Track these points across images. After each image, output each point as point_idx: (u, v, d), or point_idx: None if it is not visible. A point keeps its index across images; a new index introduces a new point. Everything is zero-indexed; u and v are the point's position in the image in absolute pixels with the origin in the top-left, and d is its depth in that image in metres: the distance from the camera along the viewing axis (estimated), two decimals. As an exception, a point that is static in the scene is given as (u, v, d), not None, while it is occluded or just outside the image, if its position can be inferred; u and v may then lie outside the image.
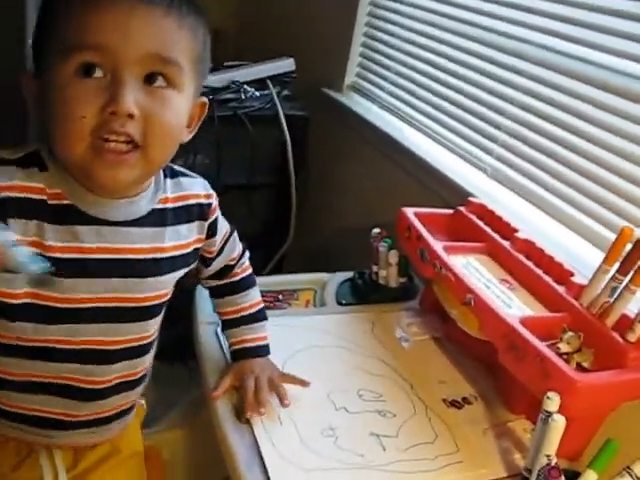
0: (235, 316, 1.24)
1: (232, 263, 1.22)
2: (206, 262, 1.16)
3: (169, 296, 1.07)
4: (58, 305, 0.93)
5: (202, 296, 1.40)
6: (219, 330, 1.33)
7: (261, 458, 1.06)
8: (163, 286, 1.04)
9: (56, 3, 0.86)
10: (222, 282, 1.23)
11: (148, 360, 1.11)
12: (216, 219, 1.11)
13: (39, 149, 0.91)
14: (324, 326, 1.41)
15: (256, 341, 1.24)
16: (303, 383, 1.22)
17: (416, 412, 1.24)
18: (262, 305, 1.27)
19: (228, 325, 1.25)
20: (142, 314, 1.03)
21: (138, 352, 1.06)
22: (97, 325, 0.98)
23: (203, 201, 1.06)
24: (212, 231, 1.10)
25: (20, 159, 0.89)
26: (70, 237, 0.91)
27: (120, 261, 0.96)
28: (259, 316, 1.26)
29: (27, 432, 1.05)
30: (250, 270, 1.27)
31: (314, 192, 2.44)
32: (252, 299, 1.25)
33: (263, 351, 1.24)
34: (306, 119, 2.27)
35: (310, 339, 1.37)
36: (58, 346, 0.97)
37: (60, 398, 1.02)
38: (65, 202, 0.90)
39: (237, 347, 1.24)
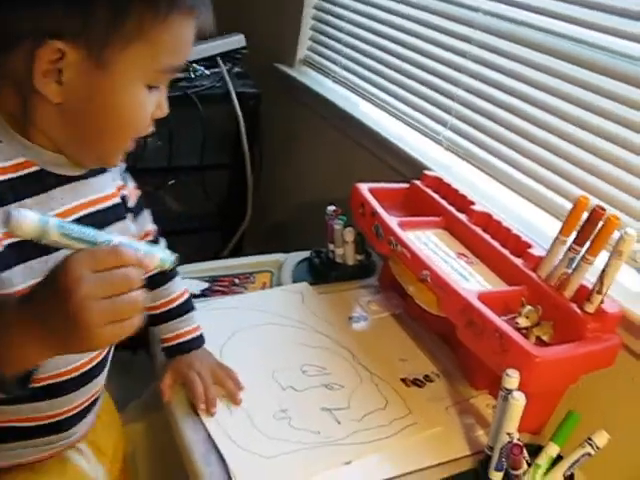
0: (164, 309, 1.18)
1: (150, 239, 1.16)
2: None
3: None
4: None
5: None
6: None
7: (218, 451, 1.04)
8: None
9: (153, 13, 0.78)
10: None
11: None
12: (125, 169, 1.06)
13: None
14: (258, 304, 1.39)
15: (190, 333, 1.20)
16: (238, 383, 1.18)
17: (362, 380, 1.23)
18: (189, 294, 1.22)
19: (158, 320, 1.19)
20: None
21: None
22: None
23: None
24: (125, 180, 1.04)
25: None
26: (52, 204, 0.86)
27: (95, 214, 0.92)
28: (188, 306, 1.21)
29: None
30: None
31: (270, 170, 2.41)
32: (178, 288, 1.19)
33: (198, 342, 1.20)
34: (258, 96, 2.23)
35: (245, 319, 1.34)
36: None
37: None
38: (34, 169, 0.84)
39: (172, 343, 1.19)
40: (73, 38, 0.74)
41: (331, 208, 1.55)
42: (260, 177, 2.36)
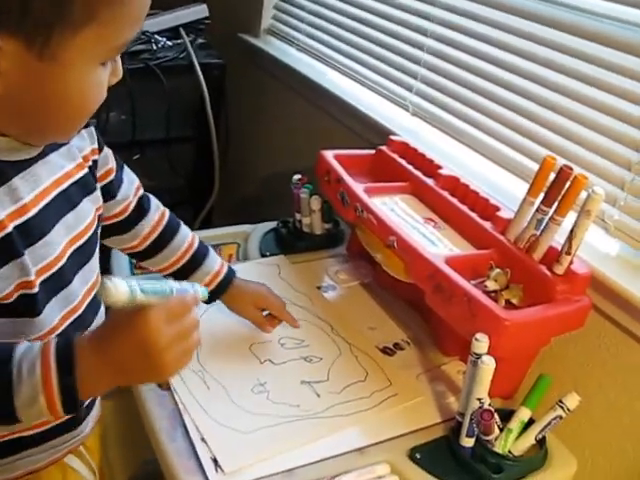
0: (192, 252, 1.17)
1: (141, 191, 1.13)
2: (113, 190, 1.06)
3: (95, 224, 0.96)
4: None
5: (118, 255, 1.35)
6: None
7: (184, 427, 1.02)
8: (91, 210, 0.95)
9: None
10: (159, 229, 1.14)
11: None
12: (97, 130, 1.00)
13: None
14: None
15: (224, 264, 1.21)
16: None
17: (341, 352, 1.22)
18: (197, 238, 1.21)
19: (189, 266, 1.17)
20: (91, 248, 0.95)
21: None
22: (78, 276, 0.91)
23: None
24: (99, 142, 0.99)
25: None
26: (16, 195, 0.80)
27: (66, 192, 0.88)
28: (205, 247, 1.21)
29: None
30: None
31: (236, 142, 2.38)
32: (187, 236, 1.18)
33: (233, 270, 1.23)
34: (223, 67, 2.20)
35: None
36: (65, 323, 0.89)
37: None
38: None
39: (222, 276, 1.19)
40: (9, 31, 0.67)
41: (297, 177, 1.53)
42: (227, 149, 2.34)
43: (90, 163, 0.95)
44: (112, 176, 1.04)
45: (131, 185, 1.10)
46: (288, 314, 1.24)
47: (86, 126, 0.95)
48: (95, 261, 0.95)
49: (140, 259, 1.19)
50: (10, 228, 0.77)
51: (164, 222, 1.15)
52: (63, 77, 0.73)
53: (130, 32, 0.75)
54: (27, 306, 0.81)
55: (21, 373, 0.71)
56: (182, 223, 1.19)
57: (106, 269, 1.21)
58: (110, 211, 1.07)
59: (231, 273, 1.21)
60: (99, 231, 0.97)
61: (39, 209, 0.82)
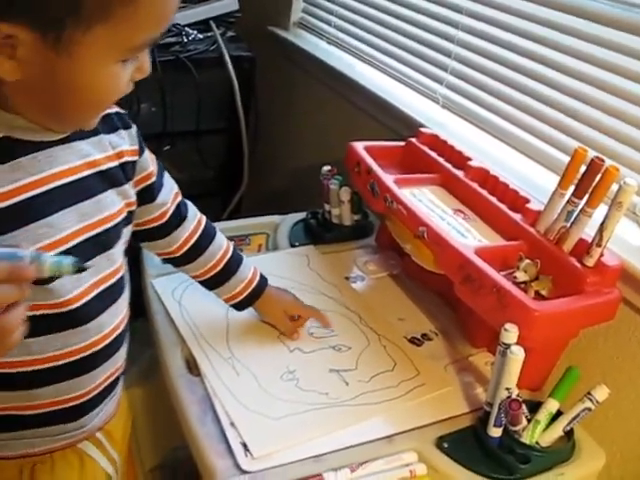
0: (227, 259, 1.18)
1: (180, 198, 1.14)
2: (152, 193, 1.06)
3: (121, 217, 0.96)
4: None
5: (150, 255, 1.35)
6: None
7: (214, 412, 1.03)
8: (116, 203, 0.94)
9: None
10: (196, 236, 1.15)
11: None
12: (139, 132, 1.01)
13: None
14: (263, 267, 1.37)
15: (257, 271, 1.22)
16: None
17: (370, 342, 1.23)
18: (232, 247, 1.22)
19: (224, 273, 1.19)
20: (110, 240, 0.94)
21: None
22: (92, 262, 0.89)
23: (120, 111, 0.97)
24: (140, 145, 1.00)
25: None
26: (18, 175, 0.80)
27: (81, 180, 0.87)
28: (239, 257, 1.22)
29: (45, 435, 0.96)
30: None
31: (266, 134, 2.38)
32: (223, 237, 1.20)
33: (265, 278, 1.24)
34: (252, 60, 2.20)
35: None
36: (69, 307, 0.87)
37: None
38: None
39: (253, 286, 1.20)
40: (25, 21, 0.67)
41: (326, 168, 1.54)
42: (256, 141, 2.34)
43: (124, 160, 0.95)
44: (152, 179, 1.05)
45: (170, 191, 1.11)
46: (323, 316, 1.26)
47: (126, 127, 0.96)
48: (115, 255, 0.94)
49: (176, 265, 1.20)
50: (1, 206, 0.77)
51: (201, 229, 1.17)
52: (75, 71, 0.73)
53: (149, 33, 0.74)
54: None
55: None
56: (218, 230, 1.20)
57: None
58: (149, 214, 1.08)
59: (264, 280, 1.22)
60: (126, 228, 0.97)
61: (44, 190, 0.81)
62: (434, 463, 1.00)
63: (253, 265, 1.22)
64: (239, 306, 1.21)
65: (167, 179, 1.11)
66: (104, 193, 0.90)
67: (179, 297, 1.27)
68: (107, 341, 0.94)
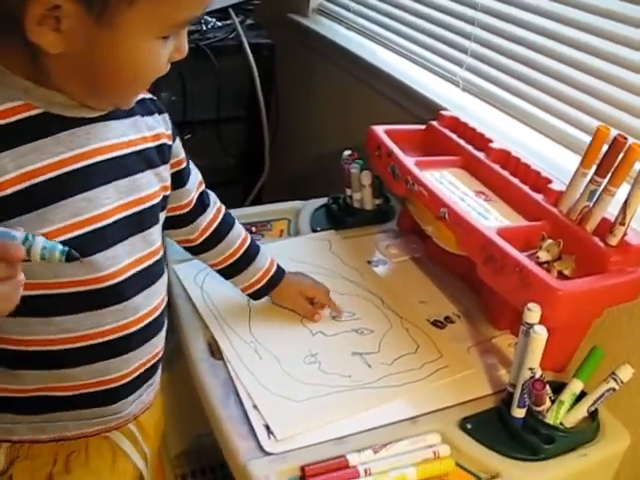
0: (245, 247, 1.19)
1: (203, 186, 1.15)
2: (183, 178, 1.07)
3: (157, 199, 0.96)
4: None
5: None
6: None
7: (237, 395, 1.04)
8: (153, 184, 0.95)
9: None
10: (216, 223, 1.16)
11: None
12: (171, 119, 1.01)
13: None
14: (285, 252, 1.38)
15: (274, 261, 1.23)
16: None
17: (392, 325, 1.23)
18: (250, 237, 1.23)
19: (242, 262, 1.19)
20: (146, 220, 0.94)
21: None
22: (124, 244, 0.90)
23: (153, 97, 0.98)
24: (173, 131, 1.00)
25: None
26: (58, 149, 0.81)
27: (116, 159, 0.87)
28: (256, 246, 1.22)
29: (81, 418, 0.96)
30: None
31: (286, 121, 2.38)
32: (241, 226, 1.21)
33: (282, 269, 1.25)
34: (272, 47, 2.20)
35: None
36: (103, 284, 0.88)
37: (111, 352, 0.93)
38: (34, 112, 0.79)
39: (271, 274, 1.21)
40: None
41: (347, 152, 1.54)
42: (277, 129, 2.34)
43: (161, 142, 0.95)
44: (184, 165, 1.06)
45: (196, 179, 1.12)
46: (332, 302, 1.25)
47: (161, 112, 0.97)
48: (152, 237, 0.94)
49: (195, 252, 1.20)
50: (41, 178, 0.79)
51: (220, 216, 1.17)
52: (117, 45, 0.73)
53: (191, 10, 0.75)
54: None
55: None
56: (236, 219, 1.21)
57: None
58: (178, 201, 1.08)
59: (281, 269, 1.23)
60: (162, 213, 0.98)
61: (84, 165, 0.82)
62: (457, 444, 1.00)
63: (270, 254, 1.23)
64: (256, 295, 1.22)
65: (193, 167, 1.11)
66: (141, 173, 0.91)
67: (201, 282, 1.27)
68: (142, 324, 0.94)
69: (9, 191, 0.76)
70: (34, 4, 0.68)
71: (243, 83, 2.20)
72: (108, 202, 0.86)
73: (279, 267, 1.23)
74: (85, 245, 0.82)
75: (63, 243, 0.68)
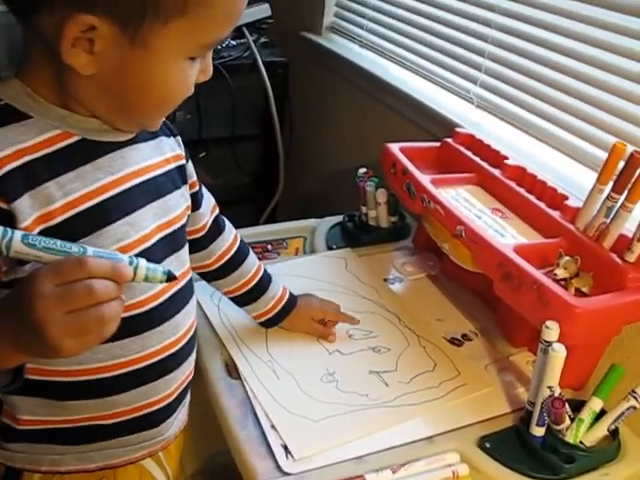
0: (260, 276, 1.19)
1: (217, 211, 1.14)
2: (197, 201, 1.07)
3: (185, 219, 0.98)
4: None
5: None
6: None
7: (255, 414, 1.04)
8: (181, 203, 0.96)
9: None
10: (233, 250, 1.16)
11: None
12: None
13: None
14: (301, 270, 1.38)
15: (286, 289, 1.22)
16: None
17: (409, 343, 1.22)
18: (263, 268, 1.22)
19: (257, 290, 1.19)
20: (181, 239, 0.96)
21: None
22: (166, 262, 0.91)
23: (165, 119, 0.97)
24: (186, 153, 1.00)
25: None
26: (98, 175, 0.81)
27: (149, 182, 0.88)
28: (269, 277, 1.22)
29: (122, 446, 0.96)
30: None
31: (300, 139, 2.39)
32: (253, 266, 1.19)
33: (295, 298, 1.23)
34: (286, 65, 2.21)
35: (291, 286, 1.28)
36: (147, 306, 0.88)
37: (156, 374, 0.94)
38: (73, 139, 0.79)
39: (283, 303, 1.20)
40: (106, 13, 0.69)
41: (362, 170, 1.54)
42: (291, 146, 2.35)
43: (179, 163, 0.96)
44: (197, 187, 1.05)
45: (209, 203, 1.12)
46: (345, 314, 1.24)
47: (175, 135, 0.97)
48: (184, 256, 0.96)
49: (210, 279, 1.19)
50: (86, 205, 0.79)
51: (237, 243, 1.17)
52: (150, 65, 0.74)
53: (220, 32, 0.76)
54: None
55: None
56: (250, 249, 1.20)
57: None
58: (193, 224, 1.08)
59: (293, 297, 1.22)
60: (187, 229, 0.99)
61: (123, 189, 0.83)
62: (476, 464, 0.99)
63: (282, 283, 1.22)
64: (268, 323, 1.21)
65: (205, 191, 1.11)
66: (170, 194, 0.91)
67: (217, 301, 1.27)
68: (182, 343, 0.95)
69: (58, 220, 0.77)
70: (71, 25, 0.68)
71: (257, 101, 2.21)
72: (147, 224, 0.86)
73: (291, 295, 1.22)
74: None
75: None
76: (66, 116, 0.78)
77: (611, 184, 1.12)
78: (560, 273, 1.09)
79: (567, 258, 1.10)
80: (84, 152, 0.80)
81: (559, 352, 0.96)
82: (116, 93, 0.77)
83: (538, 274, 1.06)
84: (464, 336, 1.26)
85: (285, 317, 1.21)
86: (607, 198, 1.12)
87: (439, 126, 1.68)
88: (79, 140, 0.80)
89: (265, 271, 1.20)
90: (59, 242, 0.66)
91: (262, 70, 2.14)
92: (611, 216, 1.12)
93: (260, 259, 1.25)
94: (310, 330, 1.22)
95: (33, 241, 0.64)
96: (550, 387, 0.98)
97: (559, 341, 0.98)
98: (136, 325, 0.87)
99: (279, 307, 1.20)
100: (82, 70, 0.72)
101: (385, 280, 1.41)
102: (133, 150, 0.86)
